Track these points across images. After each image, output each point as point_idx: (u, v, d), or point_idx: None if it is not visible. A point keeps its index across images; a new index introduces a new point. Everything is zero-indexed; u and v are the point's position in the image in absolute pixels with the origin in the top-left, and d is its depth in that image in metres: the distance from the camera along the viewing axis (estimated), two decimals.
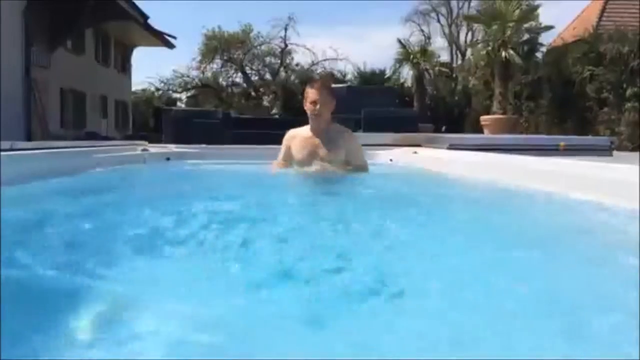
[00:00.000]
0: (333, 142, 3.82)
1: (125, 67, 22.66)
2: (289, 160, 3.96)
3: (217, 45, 26.69)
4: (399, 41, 19.74)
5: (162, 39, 20.31)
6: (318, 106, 3.78)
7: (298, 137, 3.94)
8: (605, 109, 12.84)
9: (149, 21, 18.02)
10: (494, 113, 14.25)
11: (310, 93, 3.85)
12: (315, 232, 2.00)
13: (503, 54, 13.90)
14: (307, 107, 3.86)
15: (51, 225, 2.10)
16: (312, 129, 3.89)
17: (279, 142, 4.08)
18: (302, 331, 1.13)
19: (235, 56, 27.12)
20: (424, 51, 19.61)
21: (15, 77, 12.63)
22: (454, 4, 31.86)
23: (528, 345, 1.06)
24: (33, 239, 1.85)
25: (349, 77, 24.28)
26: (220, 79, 28.03)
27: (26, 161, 3.75)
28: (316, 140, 3.83)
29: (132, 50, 23.11)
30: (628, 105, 12.19)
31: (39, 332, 1.10)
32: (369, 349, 1.04)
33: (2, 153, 3.54)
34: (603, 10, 17.32)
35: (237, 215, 2.27)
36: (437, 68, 20.33)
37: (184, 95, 28.44)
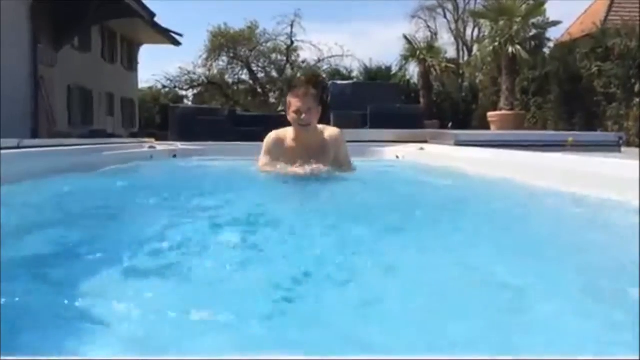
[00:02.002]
0: (321, 148, 3.65)
1: (131, 64, 22.70)
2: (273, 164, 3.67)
3: (223, 43, 26.67)
4: (405, 37, 19.66)
5: (168, 37, 20.33)
6: (303, 115, 3.56)
7: (282, 143, 3.71)
8: (614, 105, 12.75)
9: (156, 19, 18.04)
10: (501, 109, 14.19)
11: (294, 101, 3.60)
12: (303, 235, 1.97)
13: (510, 49, 13.82)
14: (291, 116, 3.63)
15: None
16: (297, 139, 3.67)
17: None
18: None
19: (241, 53, 27.09)
20: (430, 47, 19.52)
21: (22, 75, 12.69)
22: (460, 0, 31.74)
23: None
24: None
25: (354, 73, 24.22)
26: (227, 76, 28.01)
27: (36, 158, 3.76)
28: (302, 150, 3.60)
29: (138, 48, 23.15)
30: (636, 100, 12.09)
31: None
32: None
33: (10, 150, 3.56)
34: (611, 5, 17.18)
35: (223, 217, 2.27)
36: (443, 64, 20.19)
37: (190, 93, 28.47)
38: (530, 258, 1.61)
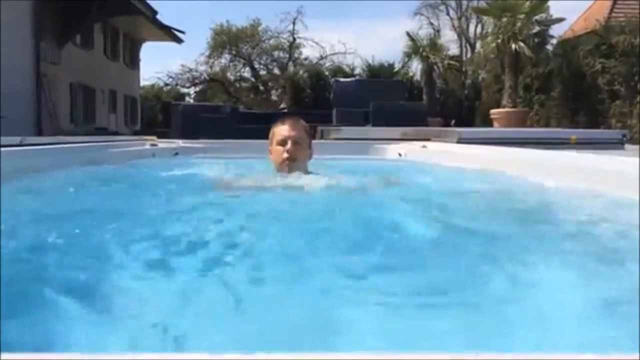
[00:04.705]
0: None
1: (134, 62, 22.71)
2: None
3: (225, 40, 26.67)
4: (408, 34, 19.60)
5: (170, 34, 20.33)
6: (289, 145, 2.68)
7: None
8: (617, 102, 12.70)
9: (157, 16, 18.04)
10: (504, 106, 14.15)
11: (278, 130, 2.77)
12: None
13: (513, 46, 13.77)
14: (274, 150, 2.76)
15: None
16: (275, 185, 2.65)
17: None
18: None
19: (243, 50, 27.10)
20: (433, 44, 19.45)
21: (25, 73, 12.71)
22: None
23: None
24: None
25: (357, 71, 24.19)
26: (229, 74, 28.02)
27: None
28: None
29: (140, 45, 23.15)
30: None
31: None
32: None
33: (12, 148, 3.56)
34: (614, 2, 17.11)
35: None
36: (446, 61, 20.16)
37: (192, 90, 28.49)
38: None
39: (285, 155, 2.68)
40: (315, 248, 1.64)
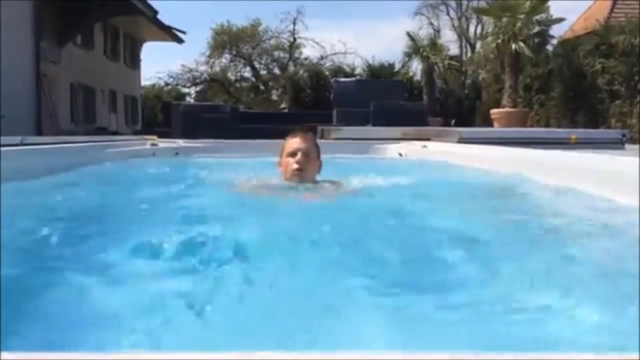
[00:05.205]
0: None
1: (134, 62, 22.70)
2: None
3: (226, 40, 26.68)
4: (408, 34, 19.59)
5: (171, 34, 20.32)
6: (299, 156, 2.76)
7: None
8: (617, 102, 12.71)
9: (158, 16, 18.03)
10: (504, 106, 14.15)
11: (289, 142, 2.85)
12: None
13: (513, 46, 13.77)
14: (284, 162, 2.83)
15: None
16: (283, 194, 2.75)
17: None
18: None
19: (243, 50, 27.11)
20: (434, 44, 19.43)
21: (25, 73, 12.71)
22: None
23: None
24: None
25: (357, 71, 24.18)
26: (229, 74, 28.03)
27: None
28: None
29: (141, 45, 23.14)
30: None
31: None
32: None
33: (12, 148, 3.57)
34: (614, 2, 17.10)
35: None
36: (446, 61, 20.15)
37: (192, 90, 28.50)
38: None
39: (295, 166, 2.75)
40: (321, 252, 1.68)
